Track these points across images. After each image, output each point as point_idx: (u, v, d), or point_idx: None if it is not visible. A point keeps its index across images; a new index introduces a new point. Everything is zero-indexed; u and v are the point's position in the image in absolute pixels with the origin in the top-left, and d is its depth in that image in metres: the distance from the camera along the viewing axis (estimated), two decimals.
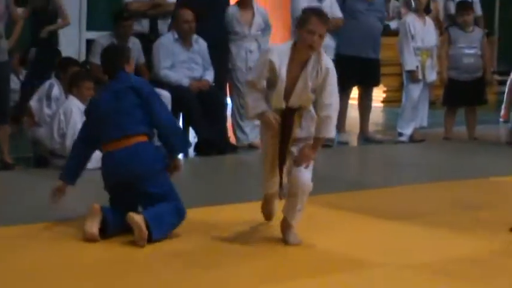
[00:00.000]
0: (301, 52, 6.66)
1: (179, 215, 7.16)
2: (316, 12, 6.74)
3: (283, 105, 6.77)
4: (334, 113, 6.72)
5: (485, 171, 10.41)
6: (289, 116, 6.76)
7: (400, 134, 12.35)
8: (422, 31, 12.33)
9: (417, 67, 12.20)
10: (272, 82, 6.71)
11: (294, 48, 6.69)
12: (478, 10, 14.04)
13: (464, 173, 10.27)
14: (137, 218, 6.74)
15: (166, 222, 7.05)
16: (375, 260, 6.70)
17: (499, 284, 6.21)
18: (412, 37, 12.21)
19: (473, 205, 8.67)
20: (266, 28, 11.79)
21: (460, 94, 12.52)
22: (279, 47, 6.93)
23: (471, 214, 8.27)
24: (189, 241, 7.07)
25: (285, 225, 6.94)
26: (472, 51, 12.51)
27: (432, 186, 9.72)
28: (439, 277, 6.32)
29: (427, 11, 13.11)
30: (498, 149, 12.30)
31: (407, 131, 12.34)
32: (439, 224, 7.81)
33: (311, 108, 6.88)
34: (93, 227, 6.84)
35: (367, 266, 6.53)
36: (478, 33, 12.73)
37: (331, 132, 6.81)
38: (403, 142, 12.29)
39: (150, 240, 6.77)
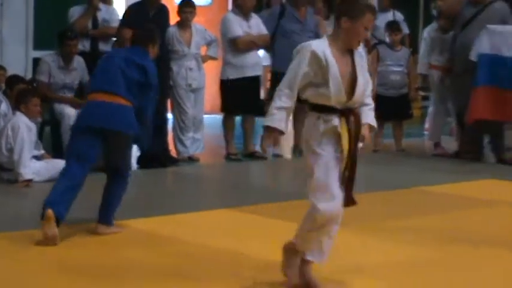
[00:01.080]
0: (346, 45, 5.77)
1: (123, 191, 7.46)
2: (371, 9, 5.87)
3: (342, 104, 5.82)
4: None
5: (412, 181, 10.50)
6: (349, 119, 5.80)
7: None
8: None
9: None
10: (318, 79, 5.76)
11: (336, 41, 5.74)
12: (405, 29, 14.11)
13: (392, 183, 10.36)
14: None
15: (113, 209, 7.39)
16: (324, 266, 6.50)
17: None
18: None
19: (401, 213, 8.75)
20: (211, 40, 11.82)
21: (387, 109, 12.40)
22: (313, 41, 5.86)
23: (400, 222, 8.31)
24: (132, 251, 6.95)
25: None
26: (399, 68, 12.66)
27: (363, 196, 9.56)
28: (371, 281, 6.30)
29: None
30: (423, 160, 12.41)
31: None
32: (369, 231, 7.82)
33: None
34: (51, 229, 6.87)
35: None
36: (405, 52, 12.90)
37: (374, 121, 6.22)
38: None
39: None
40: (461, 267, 6.81)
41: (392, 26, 13.09)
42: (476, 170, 11.51)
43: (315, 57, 5.62)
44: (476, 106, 11.71)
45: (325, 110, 5.70)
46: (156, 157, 10.86)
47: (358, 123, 5.78)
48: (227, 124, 11.80)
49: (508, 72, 11.72)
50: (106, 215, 7.36)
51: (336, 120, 5.65)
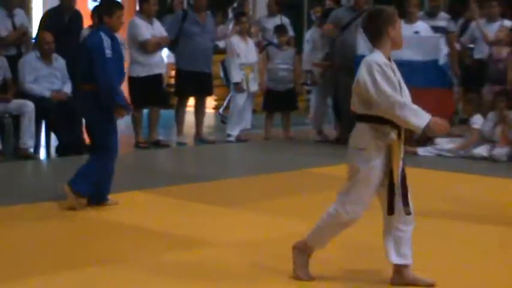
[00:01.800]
0: (390, 52, 5.63)
1: (102, 167, 7.75)
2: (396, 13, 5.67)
3: None
4: None
5: (299, 164, 10.65)
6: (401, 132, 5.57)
7: (229, 135, 12.53)
8: (246, 50, 12.54)
9: (242, 79, 12.43)
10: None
11: (384, 51, 5.55)
12: (291, 32, 14.17)
13: (282, 167, 10.48)
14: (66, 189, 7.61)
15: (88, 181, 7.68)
16: (206, 239, 6.79)
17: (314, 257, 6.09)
18: (238, 55, 12.43)
19: (289, 192, 8.89)
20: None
21: (277, 101, 12.79)
22: (377, 56, 5.57)
23: (288, 200, 8.44)
24: (51, 227, 7.14)
25: None
26: (286, 66, 12.79)
27: (256, 178, 9.88)
28: (259, 255, 6.36)
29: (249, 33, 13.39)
30: (308, 146, 12.54)
31: (235, 132, 12.55)
32: (260, 209, 7.94)
33: None
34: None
35: (200, 245, 6.59)
36: (291, 51, 13.02)
37: None
38: (231, 142, 12.48)
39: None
40: (341, 237, 6.42)
41: (280, 29, 13.23)
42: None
43: (383, 68, 5.46)
44: None
45: (387, 122, 5.49)
46: (72, 146, 10.78)
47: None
48: (136, 116, 11.73)
49: None
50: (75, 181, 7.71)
51: (393, 134, 5.45)
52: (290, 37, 13.93)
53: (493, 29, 12.43)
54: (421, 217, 6.20)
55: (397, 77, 5.50)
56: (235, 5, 16.23)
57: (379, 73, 5.40)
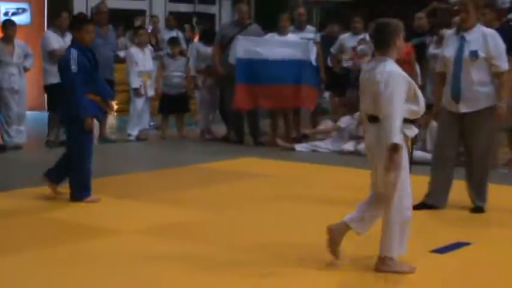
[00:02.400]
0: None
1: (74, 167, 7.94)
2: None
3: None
4: None
5: (191, 161, 10.89)
6: None
7: (129, 135, 12.68)
8: (143, 59, 12.75)
9: (140, 85, 12.63)
10: (409, 97, 5.66)
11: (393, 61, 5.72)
12: (183, 44, 14.56)
13: (176, 163, 10.66)
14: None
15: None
16: (112, 228, 6.97)
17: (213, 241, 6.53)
18: (136, 63, 12.64)
19: (184, 185, 9.04)
20: (28, 54, 11.91)
21: (171, 105, 13.00)
22: (393, 66, 5.68)
23: (180, 192, 8.62)
24: None
25: None
26: (178, 73, 13.06)
27: (154, 173, 10.07)
28: (161, 238, 6.60)
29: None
30: (199, 144, 12.80)
31: (134, 132, 12.72)
32: (156, 201, 8.14)
33: None
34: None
35: (107, 234, 6.76)
36: (182, 61, 13.30)
37: None
38: (131, 141, 12.62)
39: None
40: (229, 223, 7.24)
41: (173, 41, 13.60)
42: (239, 150, 11.80)
43: (405, 79, 5.60)
44: (237, 98, 12.02)
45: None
46: None
47: None
48: (51, 117, 11.80)
49: (256, 70, 12.02)
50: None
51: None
52: (182, 48, 14.18)
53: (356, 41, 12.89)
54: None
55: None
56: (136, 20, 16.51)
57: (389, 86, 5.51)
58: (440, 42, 11.65)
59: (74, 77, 7.71)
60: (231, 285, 5.57)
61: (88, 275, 5.68)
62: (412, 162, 6.13)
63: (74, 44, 7.94)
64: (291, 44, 12.33)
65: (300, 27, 13.18)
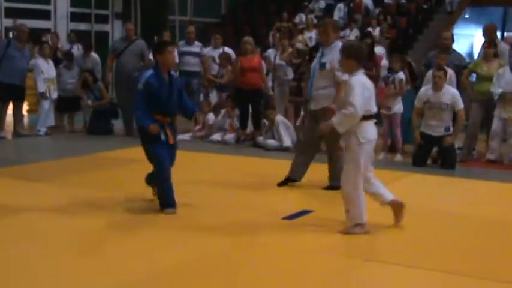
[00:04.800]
0: None
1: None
2: None
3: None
4: None
5: (94, 150, 10.51)
6: None
7: (39, 131, 12.33)
8: (47, 68, 12.34)
9: (46, 90, 12.30)
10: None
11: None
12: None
13: (82, 152, 10.40)
14: None
15: None
16: (20, 207, 6.75)
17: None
18: (42, 72, 12.22)
19: (87, 170, 8.90)
20: None
21: (66, 105, 12.77)
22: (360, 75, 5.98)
23: (87, 176, 8.49)
24: None
25: None
26: (71, 80, 12.72)
27: (62, 161, 9.77)
28: (60, 217, 6.45)
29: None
30: (101, 138, 12.05)
31: (43, 128, 12.35)
32: (64, 183, 7.97)
33: None
34: None
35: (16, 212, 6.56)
36: (75, 70, 12.82)
37: None
38: (41, 135, 12.25)
39: None
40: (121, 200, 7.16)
41: (67, 55, 13.24)
42: (130, 141, 11.07)
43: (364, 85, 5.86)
44: None
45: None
46: None
47: None
48: None
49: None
50: None
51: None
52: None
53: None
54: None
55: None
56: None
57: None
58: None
59: (139, 95, 6.52)
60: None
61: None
62: None
63: (154, 67, 6.68)
64: None
65: (189, 43, 13.38)
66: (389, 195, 6.15)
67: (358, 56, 5.94)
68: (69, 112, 13.10)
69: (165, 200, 6.67)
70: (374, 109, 6.03)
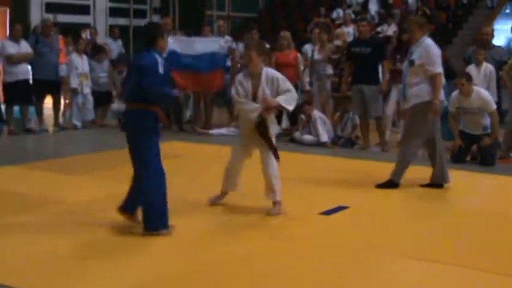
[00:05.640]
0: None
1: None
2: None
3: None
4: None
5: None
6: None
7: (75, 125, 12.32)
8: (82, 63, 12.41)
9: (78, 85, 12.27)
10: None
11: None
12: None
13: (118, 146, 9.79)
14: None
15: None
16: (59, 199, 6.80)
17: None
18: (76, 67, 12.28)
19: (119, 164, 8.76)
20: None
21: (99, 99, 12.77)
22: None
23: (118, 170, 8.24)
24: None
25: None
26: (103, 74, 12.80)
27: (96, 155, 9.75)
28: (99, 209, 6.39)
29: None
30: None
31: (79, 122, 12.41)
32: (99, 176, 8.04)
33: None
34: None
35: (54, 204, 6.63)
36: (106, 63, 12.97)
37: None
38: (78, 129, 12.27)
39: None
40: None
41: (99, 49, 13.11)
42: (165, 136, 10.66)
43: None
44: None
45: None
46: None
47: None
48: (8, 111, 11.67)
49: (183, 61, 11.65)
50: None
51: None
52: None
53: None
54: None
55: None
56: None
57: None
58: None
59: (161, 79, 5.69)
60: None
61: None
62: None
63: (154, 49, 5.77)
64: (208, 42, 12.27)
65: (219, 36, 13.25)
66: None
67: None
68: (102, 106, 13.09)
69: (161, 220, 5.68)
70: None
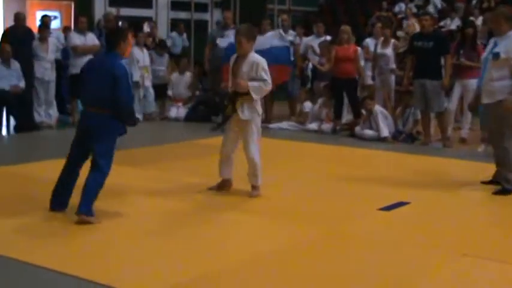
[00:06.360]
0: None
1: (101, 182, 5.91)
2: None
3: None
4: None
5: (186, 138, 10.64)
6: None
7: (138, 119, 12.39)
8: (142, 56, 12.49)
9: (140, 77, 12.38)
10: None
11: None
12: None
13: (179, 138, 10.48)
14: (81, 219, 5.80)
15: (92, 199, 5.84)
16: (124, 190, 6.85)
17: None
18: (137, 60, 12.34)
19: (182, 157, 8.91)
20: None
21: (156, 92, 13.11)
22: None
23: (182, 162, 8.59)
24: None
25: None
26: (162, 68, 12.99)
27: (161, 147, 9.83)
28: (167, 199, 6.61)
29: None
30: (184, 125, 12.26)
31: (140, 115, 12.40)
32: (164, 169, 8.09)
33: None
34: None
35: (121, 194, 6.69)
36: (166, 57, 13.34)
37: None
38: (140, 121, 12.02)
39: None
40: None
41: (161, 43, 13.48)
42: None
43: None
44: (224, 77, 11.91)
45: None
46: (25, 125, 10.97)
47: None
48: (72, 103, 11.91)
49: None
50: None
51: None
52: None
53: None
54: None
55: None
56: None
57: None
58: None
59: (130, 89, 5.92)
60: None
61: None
62: None
63: (117, 55, 5.94)
64: (270, 37, 11.97)
65: (283, 31, 12.99)
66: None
67: None
68: (160, 99, 13.15)
69: (91, 204, 5.82)
70: None
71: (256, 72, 6.62)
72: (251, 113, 6.71)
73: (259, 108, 6.83)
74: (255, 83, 6.61)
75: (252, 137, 6.74)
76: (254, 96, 6.64)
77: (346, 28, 11.69)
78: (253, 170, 6.77)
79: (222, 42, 11.52)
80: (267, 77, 6.64)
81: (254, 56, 6.73)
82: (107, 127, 5.83)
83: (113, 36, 5.97)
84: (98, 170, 5.85)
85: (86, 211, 5.74)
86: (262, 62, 6.68)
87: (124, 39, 5.92)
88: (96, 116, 5.84)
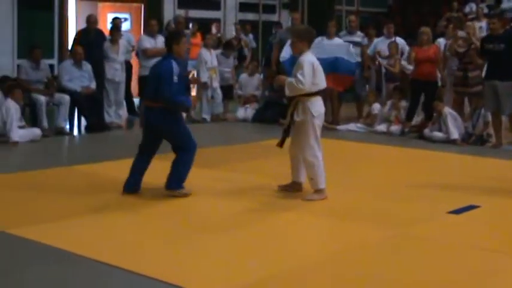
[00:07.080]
0: None
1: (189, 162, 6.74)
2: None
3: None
4: None
5: (250, 139, 10.67)
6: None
7: (204, 119, 12.53)
8: (211, 58, 12.58)
9: (208, 79, 12.51)
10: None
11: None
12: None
13: (247, 139, 10.61)
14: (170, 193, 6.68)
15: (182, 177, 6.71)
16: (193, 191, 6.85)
17: None
18: (206, 62, 12.48)
19: (249, 157, 8.94)
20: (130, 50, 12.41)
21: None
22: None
23: (250, 162, 8.60)
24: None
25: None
26: (227, 69, 13.20)
27: (226, 148, 9.82)
28: (235, 201, 6.66)
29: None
30: (252, 126, 12.59)
31: (208, 116, 12.58)
32: (231, 170, 8.11)
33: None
34: None
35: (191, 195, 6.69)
36: (231, 60, 13.47)
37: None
38: (207, 122, 12.44)
39: None
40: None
41: (227, 44, 13.78)
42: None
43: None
44: None
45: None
46: (96, 126, 11.12)
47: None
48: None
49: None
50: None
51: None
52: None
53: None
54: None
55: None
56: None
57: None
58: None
59: (174, 86, 6.48)
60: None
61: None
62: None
63: (171, 56, 6.63)
64: (336, 47, 12.02)
65: (351, 32, 13.09)
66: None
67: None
68: (225, 100, 13.20)
69: (183, 179, 6.67)
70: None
71: (297, 70, 6.60)
72: (304, 115, 6.60)
73: (316, 109, 6.64)
74: (289, 79, 6.61)
75: (306, 139, 6.61)
76: (286, 91, 6.64)
77: (425, 29, 11.60)
78: (309, 173, 6.68)
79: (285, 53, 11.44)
80: (301, 76, 6.49)
81: (303, 56, 6.65)
82: (163, 117, 6.52)
83: (167, 40, 6.75)
84: (181, 150, 6.61)
85: (175, 186, 6.54)
86: (304, 62, 6.56)
87: (177, 42, 6.61)
88: (150, 109, 6.63)
